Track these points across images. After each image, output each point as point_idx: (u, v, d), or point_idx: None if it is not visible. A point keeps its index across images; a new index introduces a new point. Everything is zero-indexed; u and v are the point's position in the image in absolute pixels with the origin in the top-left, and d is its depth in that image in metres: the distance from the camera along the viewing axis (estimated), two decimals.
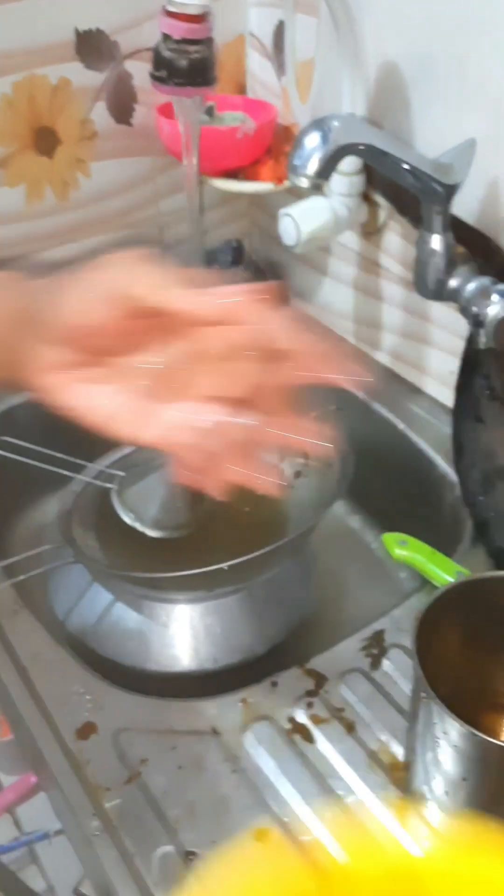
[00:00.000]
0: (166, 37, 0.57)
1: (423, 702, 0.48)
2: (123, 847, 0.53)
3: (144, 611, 0.77)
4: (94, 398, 0.41)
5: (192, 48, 0.58)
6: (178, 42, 0.57)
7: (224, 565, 0.69)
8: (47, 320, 0.41)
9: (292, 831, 0.53)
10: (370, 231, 0.89)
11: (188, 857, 0.52)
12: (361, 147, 0.59)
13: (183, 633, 0.76)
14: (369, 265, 0.91)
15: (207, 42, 0.59)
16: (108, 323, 0.39)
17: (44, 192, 0.92)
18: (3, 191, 0.88)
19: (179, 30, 0.56)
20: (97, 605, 0.79)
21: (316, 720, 0.59)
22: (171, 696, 0.67)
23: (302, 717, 0.60)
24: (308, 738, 0.58)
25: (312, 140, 0.58)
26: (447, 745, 0.47)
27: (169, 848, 0.53)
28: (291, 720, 0.60)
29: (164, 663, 0.75)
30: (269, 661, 0.76)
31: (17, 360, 0.42)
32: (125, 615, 0.78)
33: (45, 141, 0.88)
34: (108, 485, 0.81)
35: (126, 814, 0.54)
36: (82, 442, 0.82)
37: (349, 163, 0.81)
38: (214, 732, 0.59)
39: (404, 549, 0.69)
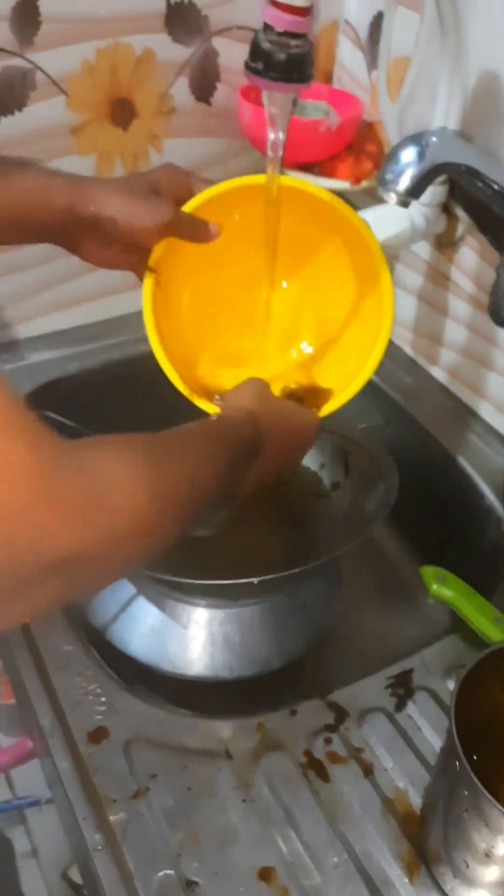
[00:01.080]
0: (267, 27, 0.54)
1: (454, 767, 0.45)
2: (124, 865, 0.51)
3: (165, 609, 0.76)
4: None
5: (293, 42, 0.54)
6: (279, 34, 0.53)
7: (254, 580, 0.67)
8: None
9: (297, 875, 0.51)
10: (445, 243, 0.85)
11: (189, 886, 0.50)
12: (461, 167, 0.55)
13: (201, 637, 0.75)
14: (438, 277, 0.87)
15: (308, 37, 0.55)
16: None
17: (114, 165, 0.89)
18: (73, 159, 0.86)
19: (283, 22, 0.53)
20: (119, 596, 0.77)
21: (333, 758, 0.58)
22: (182, 699, 0.66)
23: (319, 752, 0.58)
24: (323, 775, 0.57)
25: (408, 155, 0.55)
26: (475, 816, 0.45)
27: (170, 873, 0.51)
28: (307, 754, 0.58)
29: (179, 665, 0.74)
30: (285, 677, 0.74)
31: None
32: (146, 611, 0.76)
33: (121, 112, 0.85)
34: None
35: (130, 830, 0.53)
36: (121, 427, 0.81)
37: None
38: (228, 755, 0.58)
39: (443, 586, 0.67)
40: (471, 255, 0.82)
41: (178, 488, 0.43)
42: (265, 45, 0.54)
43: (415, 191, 0.54)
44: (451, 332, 0.88)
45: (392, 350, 0.97)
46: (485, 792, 0.43)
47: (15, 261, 0.88)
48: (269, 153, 0.61)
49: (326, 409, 0.68)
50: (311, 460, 0.87)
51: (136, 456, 0.40)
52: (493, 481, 0.81)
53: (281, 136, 0.61)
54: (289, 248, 0.67)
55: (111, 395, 0.92)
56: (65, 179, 0.55)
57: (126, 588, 0.77)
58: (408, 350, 0.96)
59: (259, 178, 0.61)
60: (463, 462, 0.84)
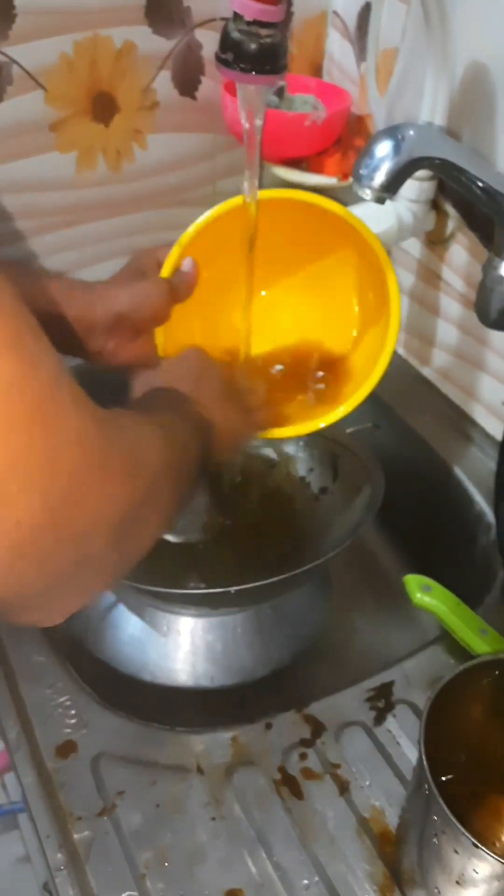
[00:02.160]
0: (237, 16, 0.52)
1: (425, 790, 0.43)
2: (87, 886, 0.50)
3: (146, 617, 0.74)
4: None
5: (263, 31, 0.52)
6: (249, 24, 0.51)
7: (231, 589, 0.65)
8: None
9: None
10: (435, 241, 0.82)
11: None
12: (437, 161, 0.53)
13: (182, 646, 0.73)
14: (429, 276, 0.85)
15: (281, 27, 0.53)
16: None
17: (96, 161, 0.87)
18: (53, 156, 0.84)
19: (252, 10, 0.51)
20: (99, 605, 0.75)
21: (308, 774, 0.56)
22: (157, 712, 0.64)
23: (294, 768, 0.56)
24: (297, 793, 0.55)
25: (383, 149, 0.52)
26: (445, 842, 0.43)
27: (134, 895, 0.49)
28: (282, 770, 0.56)
29: (159, 675, 0.72)
30: (267, 686, 0.72)
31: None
32: (126, 619, 0.74)
33: (102, 107, 0.83)
34: None
35: (94, 849, 0.51)
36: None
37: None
38: (199, 770, 0.56)
39: (427, 594, 0.64)
40: (461, 253, 0.80)
41: (182, 447, 0.47)
42: (234, 34, 0.52)
43: (390, 186, 0.52)
44: (443, 332, 0.86)
45: None
46: (453, 819, 0.41)
47: (24, 250, 0.87)
48: (246, 149, 0.59)
49: (330, 417, 0.65)
50: (299, 466, 0.85)
51: (148, 420, 0.44)
52: (484, 486, 0.79)
53: (257, 131, 0.59)
54: (291, 257, 0.66)
55: (114, 388, 0.90)
56: (78, 286, 0.58)
57: (106, 597, 0.75)
58: (400, 350, 0.94)
59: (238, 200, 0.60)
60: (454, 467, 0.82)
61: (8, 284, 0.32)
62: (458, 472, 0.81)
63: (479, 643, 0.61)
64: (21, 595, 0.35)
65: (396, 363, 0.92)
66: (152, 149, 0.89)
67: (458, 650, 0.63)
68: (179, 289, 0.61)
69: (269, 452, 0.86)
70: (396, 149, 0.51)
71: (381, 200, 0.53)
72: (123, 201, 0.91)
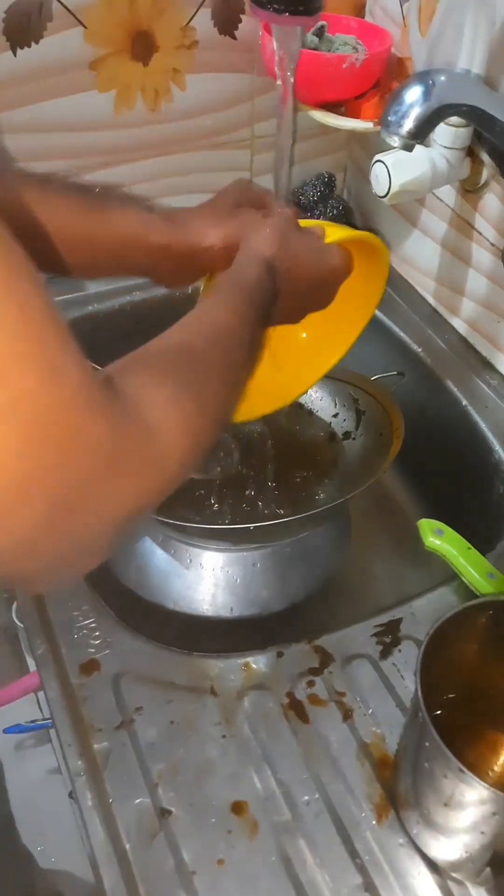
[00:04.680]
0: None
1: (420, 719, 0.46)
2: (103, 790, 0.54)
3: (170, 550, 0.77)
4: None
5: None
6: None
7: (251, 526, 0.68)
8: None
9: (268, 810, 0.53)
10: (469, 189, 0.82)
11: (164, 814, 0.53)
12: (466, 109, 0.53)
13: (204, 578, 0.76)
14: (462, 225, 0.85)
15: None
16: None
17: (134, 101, 0.87)
18: (92, 95, 0.84)
19: None
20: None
21: (314, 700, 0.59)
22: (176, 638, 0.68)
23: (301, 694, 0.59)
24: (303, 717, 0.58)
25: (413, 95, 0.53)
26: (436, 767, 0.46)
27: (147, 801, 0.53)
28: (290, 695, 0.59)
29: (181, 605, 0.76)
30: (283, 619, 0.75)
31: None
32: (151, 551, 0.78)
33: (141, 46, 0.83)
34: None
35: (112, 759, 0.55)
36: None
37: None
38: (212, 692, 0.59)
39: (439, 538, 0.66)
40: (496, 203, 0.79)
41: (216, 393, 0.44)
42: None
43: (419, 133, 0.52)
44: (473, 282, 0.86)
45: (413, 299, 0.95)
46: (443, 746, 0.43)
47: None
48: (278, 92, 0.59)
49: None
50: (323, 410, 0.87)
51: (177, 386, 0.40)
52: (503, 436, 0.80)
53: (289, 76, 0.59)
54: None
55: (129, 337, 0.92)
56: (161, 217, 0.55)
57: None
58: (429, 299, 0.94)
59: None
60: (475, 416, 0.83)
61: (34, 285, 0.31)
62: (480, 421, 0.82)
63: (486, 586, 0.63)
64: (13, 581, 0.36)
65: (425, 312, 0.93)
66: (191, 89, 0.89)
67: (467, 592, 0.65)
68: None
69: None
70: (426, 95, 0.52)
71: (409, 147, 0.53)
72: (161, 143, 0.92)
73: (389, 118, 0.52)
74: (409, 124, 0.52)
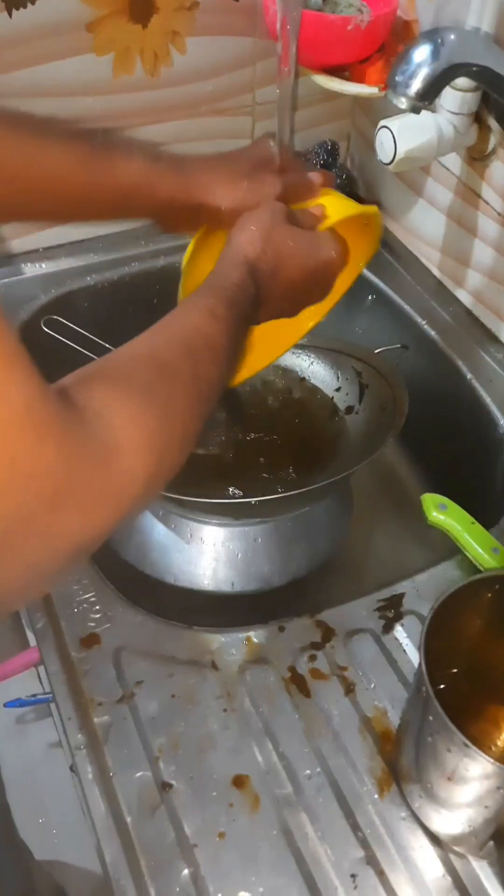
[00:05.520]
0: None
1: (424, 693, 0.46)
2: (104, 764, 0.54)
3: (171, 524, 0.77)
4: None
5: None
6: None
7: (252, 500, 0.67)
8: None
9: (270, 784, 0.53)
10: (476, 157, 0.80)
11: (165, 788, 0.52)
12: (476, 69, 0.51)
13: (205, 553, 0.76)
14: (468, 194, 0.83)
15: None
16: None
17: (133, 65, 0.85)
18: (90, 58, 0.82)
19: None
20: None
21: (316, 674, 0.58)
22: (177, 612, 0.67)
23: (303, 668, 0.59)
24: (304, 691, 0.58)
25: (421, 54, 0.51)
26: (440, 741, 0.45)
27: (147, 774, 0.53)
28: (291, 669, 0.59)
29: (182, 579, 0.75)
30: (284, 594, 0.75)
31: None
32: (152, 525, 0.77)
33: (140, 7, 0.81)
34: None
35: (113, 733, 0.55)
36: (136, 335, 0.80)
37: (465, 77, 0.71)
38: (213, 666, 0.59)
39: (442, 513, 0.66)
40: (503, 171, 0.78)
41: (185, 409, 0.41)
42: None
43: (427, 94, 0.51)
44: (479, 253, 0.84)
45: (418, 270, 0.93)
46: (447, 719, 0.43)
47: None
48: (278, 55, 0.58)
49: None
50: (326, 385, 0.85)
51: (142, 402, 0.37)
52: None
53: (292, 36, 0.57)
54: None
55: (126, 308, 0.91)
56: (169, 168, 0.53)
57: None
58: (434, 271, 0.92)
59: None
60: (480, 390, 0.82)
61: None
62: (484, 395, 0.81)
63: (490, 561, 0.63)
64: None
65: (429, 283, 0.92)
66: (191, 53, 0.87)
67: (470, 567, 0.64)
68: (296, 193, 0.55)
69: (298, 370, 0.86)
70: (435, 54, 0.50)
71: (416, 110, 0.52)
72: (160, 108, 0.89)
73: (397, 78, 0.51)
74: (417, 85, 0.51)
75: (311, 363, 0.86)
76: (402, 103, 0.52)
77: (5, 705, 1.22)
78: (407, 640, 0.60)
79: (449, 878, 0.49)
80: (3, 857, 0.81)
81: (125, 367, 0.40)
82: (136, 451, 0.35)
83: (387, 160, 0.75)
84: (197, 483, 0.76)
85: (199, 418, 0.42)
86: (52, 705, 1.15)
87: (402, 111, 0.74)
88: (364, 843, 0.51)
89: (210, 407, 0.43)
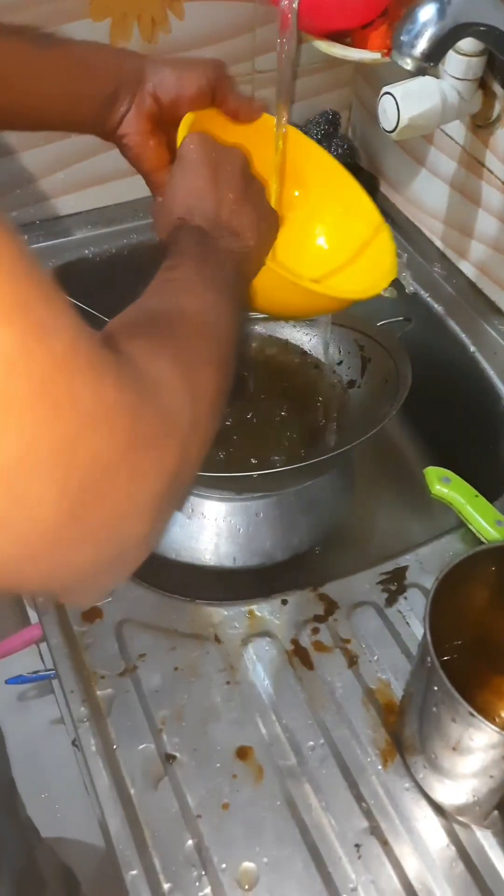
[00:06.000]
0: None
1: (428, 663, 0.45)
2: (107, 736, 0.53)
3: None
4: None
5: None
6: None
7: (254, 474, 0.67)
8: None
9: (273, 755, 0.53)
10: (480, 124, 0.79)
11: (168, 759, 0.52)
12: (483, 29, 0.50)
13: (207, 528, 0.75)
14: (472, 163, 0.82)
15: None
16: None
17: (131, 31, 0.83)
18: (86, 24, 0.80)
19: None
20: None
21: (319, 647, 0.58)
22: (179, 587, 0.67)
23: (306, 641, 0.59)
24: (307, 663, 0.57)
25: (427, 13, 0.50)
26: (444, 711, 0.45)
27: (151, 746, 0.53)
28: (294, 642, 0.59)
29: (184, 554, 0.75)
30: (286, 569, 0.75)
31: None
32: None
33: None
34: None
35: (115, 705, 0.55)
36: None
37: (471, 41, 0.70)
38: (216, 640, 0.59)
39: (446, 486, 0.65)
40: None
41: (213, 370, 0.40)
42: None
43: (433, 55, 0.50)
44: (483, 224, 0.83)
45: (420, 242, 0.92)
46: (452, 689, 0.43)
47: (27, 137, 0.85)
48: (278, 18, 0.56)
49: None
50: (329, 359, 0.85)
51: (173, 357, 0.37)
52: None
53: (293, 1, 0.56)
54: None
55: (124, 281, 0.90)
56: (111, 50, 0.55)
57: None
58: (437, 243, 0.91)
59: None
60: (483, 362, 0.81)
61: (9, 239, 0.26)
62: (488, 368, 0.80)
63: (494, 534, 0.62)
64: (46, 591, 0.33)
65: (432, 255, 0.90)
66: (189, 18, 0.85)
67: (473, 540, 0.64)
68: (233, 102, 0.56)
69: (300, 343, 0.86)
70: (441, 13, 0.49)
71: (421, 71, 0.51)
72: None
73: (402, 38, 0.50)
74: (422, 45, 0.50)
75: (313, 337, 0.85)
76: (408, 64, 0.51)
77: (7, 682, 1.22)
78: (410, 613, 0.60)
79: (453, 848, 0.49)
80: (6, 835, 0.81)
81: (149, 319, 0.40)
82: (179, 391, 0.35)
83: (389, 128, 0.73)
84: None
85: (222, 377, 0.41)
86: (55, 682, 1.15)
87: (405, 76, 0.73)
88: (368, 814, 0.51)
89: (227, 372, 0.42)
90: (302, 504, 0.77)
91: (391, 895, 0.48)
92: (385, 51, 0.80)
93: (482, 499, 0.65)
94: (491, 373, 0.80)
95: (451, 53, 0.70)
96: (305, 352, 0.85)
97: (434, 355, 0.85)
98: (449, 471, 0.67)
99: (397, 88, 0.72)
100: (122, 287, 0.93)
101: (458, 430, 0.84)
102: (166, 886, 0.47)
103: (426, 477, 0.66)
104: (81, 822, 1.10)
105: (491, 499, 0.66)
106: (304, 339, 0.85)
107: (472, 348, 0.82)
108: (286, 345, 0.85)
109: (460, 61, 0.71)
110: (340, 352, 0.84)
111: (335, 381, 0.83)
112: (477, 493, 0.65)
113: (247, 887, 0.48)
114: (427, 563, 0.63)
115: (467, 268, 0.88)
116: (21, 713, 1.32)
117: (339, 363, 0.84)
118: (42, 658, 1.26)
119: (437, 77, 0.74)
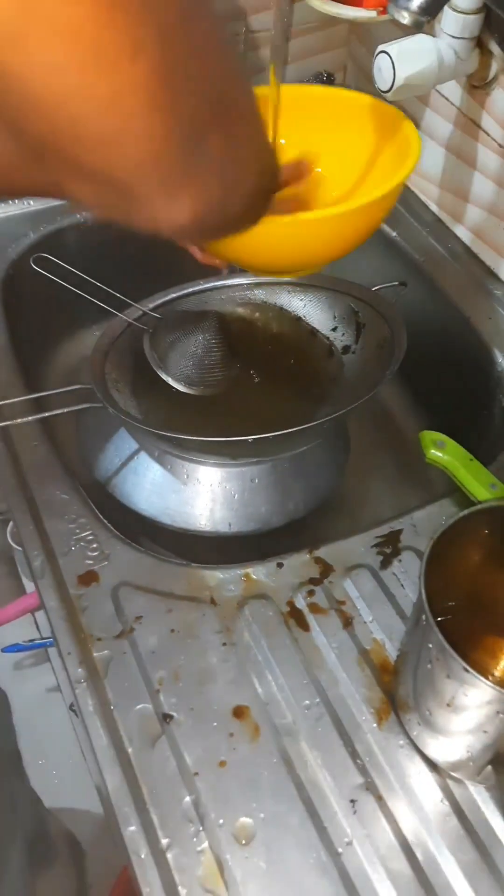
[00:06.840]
0: None
1: (423, 621, 0.46)
2: (104, 696, 0.54)
3: (166, 465, 0.76)
4: None
5: None
6: None
7: (249, 438, 0.67)
8: None
9: (269, 714, 0.53)
10: (477, 84, 0.78)
11: (165, 719, 0.53)
12: None
13: (202, 494, 0.75)
14: (468, 125, 0.81)
15: None
16: None
17: None
18: None
19: None
20: (122, 451, 0.77)
21: (314, 609, 0.59)
22: (175, 550, 0.67)
23: (301, 603, 0.59)
24: (303, 625, 0.58)
25: None
26: (439, 668, 0.46)
27: (148, 706, 0.54)
28: (290, 604, 0.59)
29: (179, 520, 0.75)
30: (283, 534, 0.75)
31: None
32: (147, 466, 0.77)
33: None
34: (142, 326, 0.77)
35: (112, 667, 0.55)
36: (127, 280, 0.79)
37: None
38: (212, 602, 0.59)
39: (440, 450, 0.65)
40: None
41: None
42: None
43: (429, 8, 0.49)
44: (479, 187, 0.82)
45: (415, 206, 0.91)
46: (446, 645, 0.43)
47: None
48: None
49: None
50: (322, 324, 0.84)
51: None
52: None
53: None
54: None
55: (116, 245, 0.89)
56: None
57: (128, 442, 0.77)
58: (432, 207, 0.91)
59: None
60: (479, 327, 0.81)
61: None
62: (483, 332, 0.80)
63: (488, 497, 0.62)
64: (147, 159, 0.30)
65: (427, 219, 0.90)
66: None
67: (468, 504, 0.64)
68: None
69: (294, 310, 0.85)
70: None
71: (418, 26, 0.50)
72: None
73: None
74: None
75: (307, 303, 0.84)
76: (404, 18, 0.50)
77: (3, 650, 1.23)
78: (404, 576, 0.60)
79: (447, 803, 0.50)
80: (18, 800, 0.82)
81: None
82: None
83: (385, 87, 0.72)
84: (193, 423, 0.76)
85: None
86: (51, 650, 1.16)
87: (400, 37, 0.72)
88: (363, 771, 0.51)
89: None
90: (297, 470, 0.77)
91: (386, 849, 0.49)
92: (380, 9, 0.79)
93: (476, 462, 0.65)
94: (485, 337, 0.80)
95: (447, 10, 0.69)
96: (300, 318, 0.84)
97: (428, 319, 0.84)
98: (443, 435, 0.67)
99: (393, 47, 0.71)
100: (114, 251, 0.93)
101: (453, 395, 0.84)
102: (164, 842, 0.48)
103: (421, 441, 0.66)
104: (79, 791, 1.12)
105: (485, 462, 0.66)
106: (299, 304, 0.84)
107: (467, 313, 0.82)
108: (280, 311, 0.84)
109: (457, 19, 0.70)
110: (335, 317, 0.83)
111: (330, 347, 0.83)
112: (471, 456, 0.65)
113: (244, 842, 0.48)
114: (421, 527, 0.63)
115: (462, 232, 0.87)
116: (18, 681, 1.33)
117: (334, 329, 0.83)
118: (38, 628, 1.27)
119: (433, 35, 0.72)
